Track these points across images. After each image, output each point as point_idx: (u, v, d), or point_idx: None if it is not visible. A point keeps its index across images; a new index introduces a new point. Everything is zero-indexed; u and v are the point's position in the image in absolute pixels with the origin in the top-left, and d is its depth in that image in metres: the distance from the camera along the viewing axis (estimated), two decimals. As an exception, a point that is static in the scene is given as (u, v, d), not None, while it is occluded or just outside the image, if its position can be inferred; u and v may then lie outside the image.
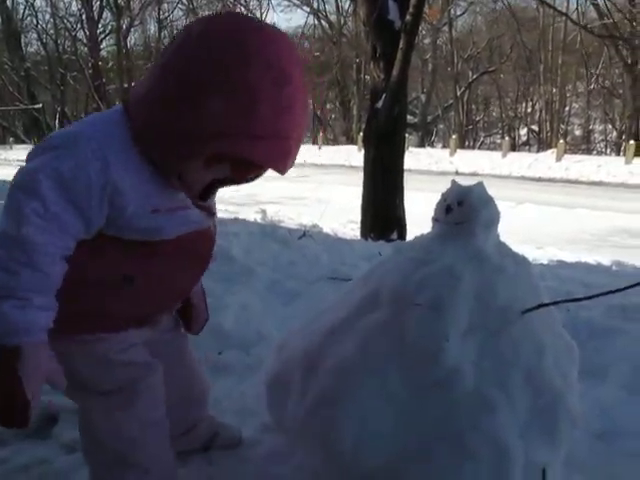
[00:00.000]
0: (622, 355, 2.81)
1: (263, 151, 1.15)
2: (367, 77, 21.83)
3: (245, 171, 1.28)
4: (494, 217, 1.54)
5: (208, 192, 1.37)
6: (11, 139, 32.44)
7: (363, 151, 8.03)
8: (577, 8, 28.04)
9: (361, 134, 12.91)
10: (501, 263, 1.52)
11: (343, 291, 1.78)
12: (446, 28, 32.53)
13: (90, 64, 33.92)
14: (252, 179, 1.32)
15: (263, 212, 8.64)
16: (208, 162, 1.21)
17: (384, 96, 7.29)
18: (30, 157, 1.21)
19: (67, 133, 1.23)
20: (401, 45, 6.75)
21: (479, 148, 34.51)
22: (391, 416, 1.43)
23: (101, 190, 1.18)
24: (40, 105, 21.85)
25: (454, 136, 25.94)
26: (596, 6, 24.93)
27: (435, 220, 1.59)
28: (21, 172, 1.18)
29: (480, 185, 1.56)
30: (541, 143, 32.91)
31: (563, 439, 1.47)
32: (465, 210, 1.51)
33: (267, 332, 2.81)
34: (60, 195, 1.15)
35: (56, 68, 36.02)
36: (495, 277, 1.49)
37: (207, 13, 1.37)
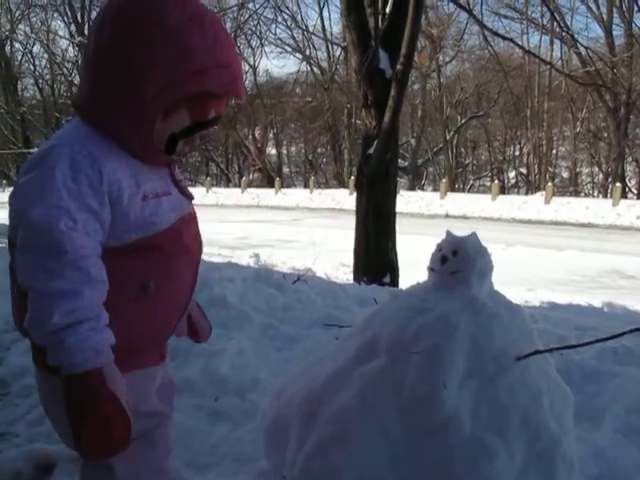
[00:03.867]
0: (615, 398, 2.83)
1: (211, 80, 1.23)
2: (358, 122, 22.28)
3: (203, 110, 1.29)
4: (488, 266, 1.60)
5: (173, 146, 1.32)
6: (4, 182, 32.54)
7: (355, 195, 8.13)
8: (561, 57, 29.01)
9: (352, 178, 13.10)
10: (496, 310, 1.57)
11: (341, 338, 1.81)
12: (435, 74, 33.38)
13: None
14: (214, 122, 1.34)
15: (256, 256, 8.68)
16: (165, 115, 1.25)
17: (376, 143, 7.44)
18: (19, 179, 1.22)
19: (47, 148, 1.22)
20: (392, 93, 6.92)
21: (469, 191, 34.96)
22: (390, 462, 1.44)
23: (100, 185, 1.20)
24: (35, 149, 22.03)
25: (444, 179, 26.31)
26: (579, 55, 25.78)
27: (431, 269, 1.64)
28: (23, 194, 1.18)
29: (474, 235, 1.61)
30: (530, 185, 33.40)
31: (560, 484, 1.49)
32: (460, 260, 1.56)
33: (263, 377, 2.82)
34: (77, 203, 1.16)
35: (51, 112, 36.46)
36: (490, 324, 1.53)
37: None
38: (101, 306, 1.18)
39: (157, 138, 1.28)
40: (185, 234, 1.40)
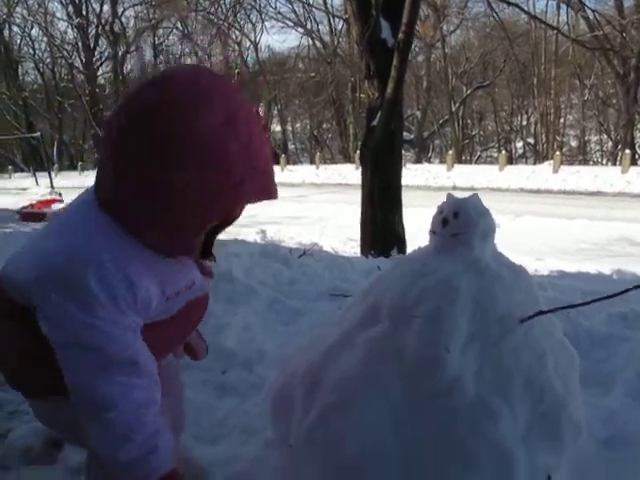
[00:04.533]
0: (625, 362, 2.81)
1: (249, 191, 1.18)
2: (362, 96, 22.01)
3: (235, 213, 1.29)
4: (490, 227, 1.56)
5: (209, 248, 1.37)
6: (10, 168, 32.59)
7: (360, 169, 8.07)
8: (567, 22, 28.41)
9: (358, 152, 12.99)
10: (499, 272, 1.54)
11: (343, 307, 1.79)
12: (439, 45, 32.89)
13: (87, 91, 34.23)
14: (239, 215, 1.33)
15: (263, 232, 8.67)
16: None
17: (379, 114, 7.35)
18: (48, 289, 1.15)
19: (73, 264, 1.16)
20: (395, 63, 6.81)
21: (476, 162, 34.63)
22: (393, 427, 1.43)
23: (135, 305, 1.20)
24: (39, 134, 22.04)
25: (451, 151, 26.06)
26: (586, 19, 25.24)
27: (432, 233, 1.61)
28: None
29: (475, 197, 1.58)
30: (537, 155, 33.05)
31: (567, 444, 1.48)
32: (461, 222, 1.53)
33: (269, 350, 2.82)
34: (119, 315, 1.17)
35: (53, 96, 36.38)
36: (493, 286, 1.50)
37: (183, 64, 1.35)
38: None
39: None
40: (192, 312, 1.43)
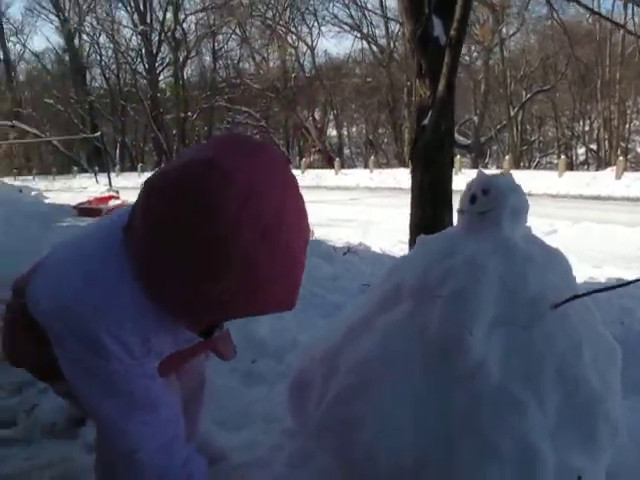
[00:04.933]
0: (679, 371, 2.61)
1: (272, 307, 1.13)
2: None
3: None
4: (522, 205, 1.45)
5: (213, 330, 1.36)
6: (75, 168, 33.88)
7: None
8: (632, 18, 27.11)
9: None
10: (530, 253, 1.43)
11: (368, 290, 1.72)
12: (497, 49, 32.17)
13: (149, 95, 35.27)
14: None
15: (312, 232, 8.61)
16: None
17: (430, 113, 7.19)
18: (66, 336, 1.14)
19: (88, 312, 1.13)
20: (446, 60, 6.65)
21: (535, 169, 33.65)
22: (411, 413, 1.35)
23: (147, 349, 1.18)
24: (99, 133, 22.72)
25: (507, 156, 25.40)
26: (656, 19, 24.12)
27: (460, 212, 1.52)
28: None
29: (507, 174, 1.47)
30: (600, 162, 31.79)
31: (601, 445, 1.36)
32: (490, 199, 1.43)
33: (303, 341, 2.76)
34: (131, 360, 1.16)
35: (117, 100, 37.65)
36: (524, 267, 1.40)
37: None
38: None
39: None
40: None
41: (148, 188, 1.08)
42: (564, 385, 1.35)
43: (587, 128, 37.64)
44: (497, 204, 1.42)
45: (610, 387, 1.43)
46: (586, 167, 34.98)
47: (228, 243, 0.99)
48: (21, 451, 1.95)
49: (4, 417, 2.20)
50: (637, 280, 1.34)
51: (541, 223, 8.78)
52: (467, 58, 35.51)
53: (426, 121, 7.23)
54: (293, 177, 1.12)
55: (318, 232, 9.63)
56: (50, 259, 1.29)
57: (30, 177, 32.18)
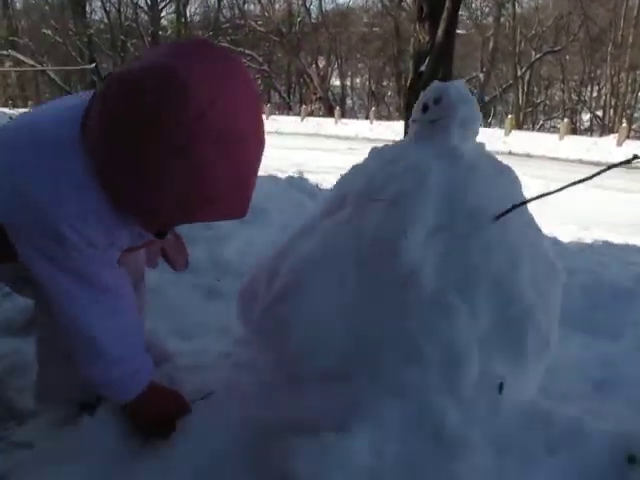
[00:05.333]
0: (642, 319, 2.67)
1: (224, 211, 1.12)
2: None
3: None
4: (472, 116, 1.43)
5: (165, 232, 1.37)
6: (72, 104, 33.33)
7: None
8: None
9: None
10: (477, 164, 1.41)
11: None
12: (510, 4, 31.31)
13: (150, 32, 34.39)
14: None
15: (300, 173, 8.53)
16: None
17: (428, 59, 7.05)
18: (27, 225, 1.14)
19: (50, 204, 1.12)
20: (447, 4, 6.49)
21: (538, 131, 33.29)
22: (344, 315, 1.36)
23: (109, 240, 1.21)
24: (94, 65, 22.31)
25: (510, 116, 25.09)
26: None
27: (412, 121, 1.50)
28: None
29: (459, 82, 1.45)
30: (604, 129, 31.46)
31: (529, 357, 1.37)
32: (441, 108, 1.41)
33: (269, 265, 2.78)
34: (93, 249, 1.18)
35: (117, 35, 36.74)
36: (468, 177, 1.38)
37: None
38: None
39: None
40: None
41: (105, 90, 1.06)
42: (498, 297, 1.36)
43: (595, 94, 37.06)
44: (447, 113, 1.40)
45: (546, 305, 1.44)
46: (590, 134, 34.62)
47: (181, 152, 1.00)
48: (-27, 345, 1.98)
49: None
50: (560, 190, 1.33)
51: (536, 184, 8.74)
52: (478, 13, 34.71)
53: (423, 67, 7.10)
54: (254, 88, 1.12)
55: (313, 178, 9.53)
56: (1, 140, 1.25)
57: (26, 109, 31.74)
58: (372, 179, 1.42)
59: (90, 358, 1.26)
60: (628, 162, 1.23)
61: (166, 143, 1.00)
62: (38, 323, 1.52)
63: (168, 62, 1.01)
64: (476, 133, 1.46)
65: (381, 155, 1.49)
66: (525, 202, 1.40)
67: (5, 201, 1.15)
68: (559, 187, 1.34)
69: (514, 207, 1.35)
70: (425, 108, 1.44)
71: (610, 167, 1.28)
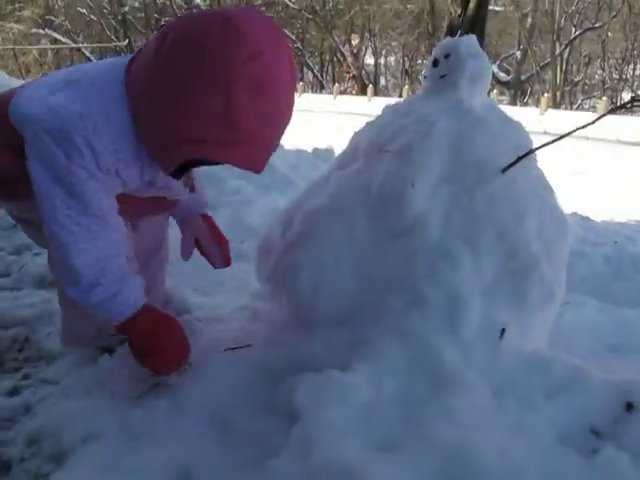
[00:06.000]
0: (666, 291, 2.65)
1: (239, 157, 1.16)
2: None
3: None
4: (482, 71, 1.45)
5: (183, 172, 1.38)
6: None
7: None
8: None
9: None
10: (484, 118, 1.43)
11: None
12: (550, -21, 30.38)
13: (184, 10, 34.54)
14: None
15: (329, 146, 8.51)
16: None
17: (459, 33, 6.94)
18: (39, 129, 1.20)
19: (80, 116, 1.20)
20: (480, -24, 6.40)
21: (576, 110, 32.41)
22: (351, 262, 1.41)
23: (114, 167, 1.26)
24: (126, 42, 22.59)
25: (547, 94, 24.50)
26: None
27: (423, 77, 1.52)
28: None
29: (471, 38, 1.47)
30: (645, 108, 30.42)
31: (533, 305, 1.40)
32: (451, 62, 1.43)
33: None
34: (95, 166, 1.23)
35: (151, 14, 36.95)
36: (475, 130, 1.41)
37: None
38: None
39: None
40: (160, 204, 1.55)
41: (166, 29, 1.17)
42: (502, 247, 1.39)
43: (637, 72, 35.87)
44: (456, 68, 1.42)
45: (552, 256, 1.46)
46: (631, 114, 33.55)
47: (220, 88, 1.08)
48: (9, 294, 2.10)
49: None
50: (559, 138, 1.35)
51: (570, 164, 8.55)
52: (517, -13, 33.78)
53: (454, 41, 7.03)
54: (292, 61, 1.20)
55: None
56: (44, 79, 1.35)
57: (61, 87, 32.17)
58: (383, 132, 1.46)
59: (69, 279, 1.30)
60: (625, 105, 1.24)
61: (211, 76, 1.08)
62: (55, 276, 1.60)
63: (226, 12, 1.14)
64: (486, 87, 1.48)
65: (393, 110, 1.53)
66: (529, 153, 1.42)
67: (41, 111, 1.21)
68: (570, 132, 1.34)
69: (519, 159, 1.38)
70: (436, 63, 1.46)
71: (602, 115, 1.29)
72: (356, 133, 1.62)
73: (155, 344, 1.39)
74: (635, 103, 1.26)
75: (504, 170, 1.39)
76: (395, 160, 1.38)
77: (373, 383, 1.20)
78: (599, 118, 1.33)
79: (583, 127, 1.34)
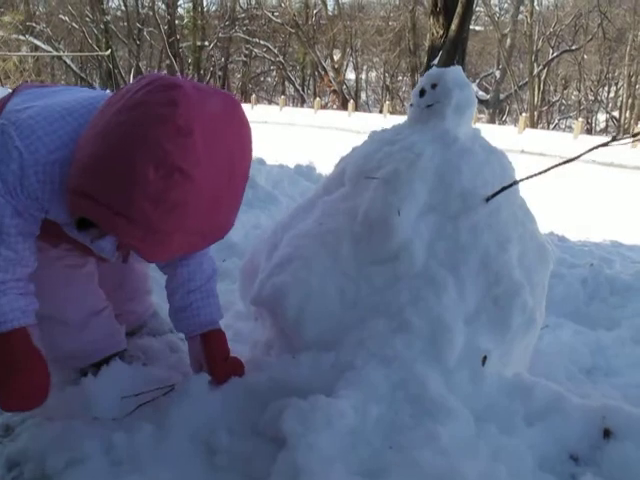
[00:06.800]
0: (638, 312, 2.71)
1: (129, 234, 1.05)
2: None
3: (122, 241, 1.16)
4: (468, 101, 1.49)
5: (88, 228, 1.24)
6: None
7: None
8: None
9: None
10: (469, 147, 1.47)
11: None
12: (528, 1, 31.07)
13: (166, 21, 34.53)
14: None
15: (310, 162, 8.57)
16: (80, 223, 1.17)
17: (440, 53, 7.09)
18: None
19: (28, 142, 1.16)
20: (462, -1, 6.52)
21: (553, 130, 33.02)
22: (336, 286, 1.43)
23: (39, 202, 1.21)
24: (108, 52, 22.43)
25: (524, 114, 24.96)
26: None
27: (410, 105, 1.55)
28: None
29: (457, 69, 1.50)
30: (619, 129, 31.16)
31: (515, 332, 1.43)
32: (437, 92, 1.47)
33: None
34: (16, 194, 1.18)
35: (134, 23, 36.87)
36: (461, 160, 1.44)
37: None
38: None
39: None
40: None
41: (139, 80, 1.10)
42: (485, 275, 1.42)
43: (612, 95, 36.73)
44: (443, 98, 1.45)
45: (533, 284, 1.50)
46: (605, 134, 34.30)
47: (129, 158, 1.00)
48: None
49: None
50: (545, 171, 1.39)
51: (550, 182, 8.71)
52: (496, 9, 34.45)
53: (436, 61, 7.14)
54: (244, 152, 1.11)
55: (322, 168, 9.56)
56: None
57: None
58: (369, 159, 1.48)
59: None
60: (605, 145, 1.28)
61: (126, 137, 1.01)
62: None
63: (185, 80, 1.05)
64: (471, 118, 1.52)
65: (379, 137, 1.56)
66: (514, 183, 1.46)
67: None
68: (556, 164, 1.39)
69: (503, 189, 1.41)
70: (422, 92, 1.49)
71: (594, 148, 1.33)
72: (342, 158, 1.65)
73: (5, 376, 1.24)
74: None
75: (488, 199, 1.43)
76: (381, 187, 1.41)
77: (358, 409, 1.21)
78: (605, 144, 1.36)
79: (587, 152, 1.37)
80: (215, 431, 1.37)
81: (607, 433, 1.33)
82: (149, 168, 0.98)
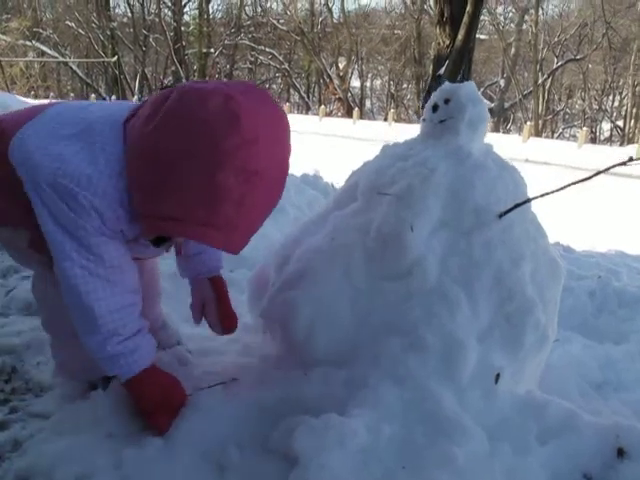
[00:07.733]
0: (646, 326, 2.70)
1: (218, 239, 1.17)
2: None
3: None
4: (481, 116, 1.48)
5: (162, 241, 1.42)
6: (93, 95, 33.70)
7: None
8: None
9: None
10: (483, 163, 1.46)
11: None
12: (533, 10, 31.11)
13: (172, 27, 34.71)
14: None
15: (316, 171, 8.57)
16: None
17: (447, 63, 7.08)
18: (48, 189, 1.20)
19: (84, 179, 1.21)
20: (468, 9, 6.52)
21: (557, 139, 33.01)
22: (348, 303, 1.42)
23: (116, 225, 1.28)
24: (115, 58, 22.50)
25: (528, 123, 24.95)
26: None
27: (423, 120, 1.55)
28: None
29: (470, 84, 1.50)
30: (624, 139, 31.14)
31: (528, 350, 1.42)
32: (450, 108, 1.46)
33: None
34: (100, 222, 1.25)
35: (140, 30, 37.04)
36: (474, 176, 1.43)
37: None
38: None
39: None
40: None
41: (166, 94, 1.16)
42: (498, 292, 1.41)
43: (616, 104, 36.73)
44: (456, 113, 1.45)
45: (546, 300, 1.48)
46: (609, 144, 34.27)
47: (208, 172, 1.09)
48: (-4, 321, 2.07)
49: (-15, 295, 2.33)
50: (560, 189, 1.38)
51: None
52: (501, 19, 34.53)
53: (442, 70, 7.13)
54: (287, 136, 1.21)
55: (328, 177, 9.57)
56: (49, 117, 1.32)
57: (46, 100, 32.07)
58: (382, 174, 1.48)
59: (87, 328, 1.31)
60: (623, 164, 1.28)
61: (199, 156, 1.09)
62: (39, 306, 1.60)
63: (229, 87, 1.14)
64: (484, 133, 1.51)
65: (392, 152, 1.55)
66: (527, 201, 1.45)
67: (46, 164, 1.21)
68: (560, 187, 1.38)
69: (517, 206, 1.40)
70: (435, 108, 1.49)
71: (605, 170, 1.32)
72: (353, 172, 1.64)
73: (158, 405, 1.39)
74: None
75: (501, 215, 1.42)
76: (394, 203, 1.40)
77: (371, 428, 1.20)
78: (623, 163, 1.35)
79: (610, 167, 1.37)
80: (225, 447, 1.36)
81: (621, 452, 1.31)
82: (229, 178, 1.09)
